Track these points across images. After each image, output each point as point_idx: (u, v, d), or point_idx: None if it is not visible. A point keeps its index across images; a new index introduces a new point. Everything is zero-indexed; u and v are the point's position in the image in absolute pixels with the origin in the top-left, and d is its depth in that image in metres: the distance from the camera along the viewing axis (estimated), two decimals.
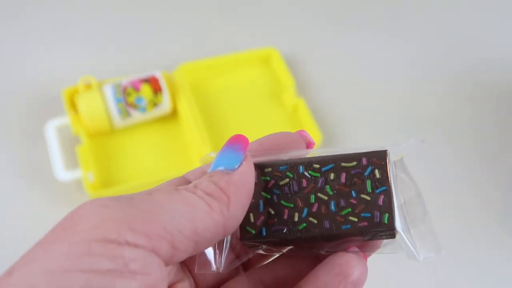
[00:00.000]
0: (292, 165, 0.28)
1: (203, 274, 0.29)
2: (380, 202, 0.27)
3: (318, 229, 0.27)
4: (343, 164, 0.27)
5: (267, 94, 0.73)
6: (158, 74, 0.67)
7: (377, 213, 0.27)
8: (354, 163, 0.27)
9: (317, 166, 0.28)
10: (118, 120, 0.66)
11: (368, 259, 0.28)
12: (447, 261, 0.62)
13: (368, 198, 0.27)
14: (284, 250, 0.29)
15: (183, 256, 0.23)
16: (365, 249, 0.28)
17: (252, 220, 0.28)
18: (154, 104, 0.66)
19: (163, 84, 0.67)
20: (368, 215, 0.27)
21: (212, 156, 0.27)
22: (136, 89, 0.66)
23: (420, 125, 0.72)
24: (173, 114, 0.69)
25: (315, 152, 0.29)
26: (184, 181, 0.28)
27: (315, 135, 0.67)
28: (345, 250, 0.27)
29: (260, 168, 0.28)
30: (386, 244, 0.28)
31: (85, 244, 0.21)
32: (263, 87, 0.73)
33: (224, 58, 0.74)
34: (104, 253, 0.21)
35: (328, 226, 0.27)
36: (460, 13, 0.83)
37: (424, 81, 0.76)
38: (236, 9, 0.82)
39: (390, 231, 0.27)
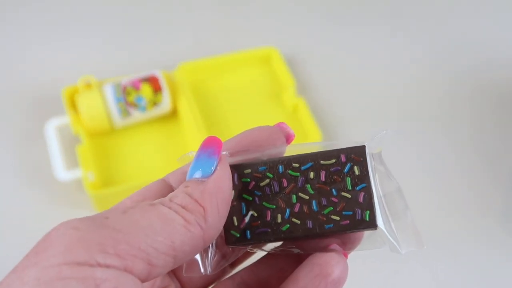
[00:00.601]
0: (272, 165, 0.28)
1: (190, 277, 0.29)
2: (361, 199, 0.27)
3: (301, 230, 0.27)
4: (322, 162, 0.27)
5: (267, 94, 0.73)
6: (158, 74, 0.67)
7: (358, 211, 0.27)
8: (333, 160, 0.27)
9: (297, 165, 0.28)
10: (118, 120, 0.66)
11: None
12: (447, 261, 0.62)
13: (348, 195, 0.27)
14: (270, 249, 0.29)
15: (163, 271, 0.23)
16: (346, 246, 0.28)
17: (236, 223, 0.28)
18: (154, 104, 0.66)
19: (163, 83, 0.67)
20: (350, 213, 0.27)
21: (190, 155, 0.27)
22: (136, 88, 0.66)
23: (420, 125, 0.72)
24: (173, 113, 0.69)
25: (294, 148, 0.29)
26: (164, 183, 0.28)
27: (315, 135, 0.67)
28: (327, 248, 0.28)
29: (239, 169, 0.28)
30: (368, 239, 0.28)
31: (55, 268, 0.21)
32: (263, 87, 0.73)
33: (224, 58, 0.74)
34: (74, 275, 0.21)
35: (311, 226, 0.27)
36: (460, 12, 0.83)
37: (424, 81, 0.76)
38: (236, 9, 0.83)
39: (372, 228, 0.27)
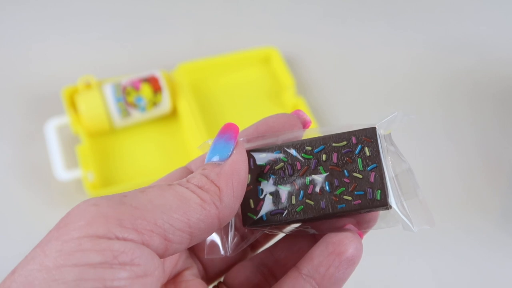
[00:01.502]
0: (286, 149, 0.29)
1: (212, 259, 0.30)
2: (372, 179, 0.27)
3: (315, 210, 0.28)
4: (334, 144, 0.28)
5: (267, 94, 0.73)
6: (158, 74, 0.67)
7: (369, 190, 0.27)
8: (344, 142, 0.28)
9: (309, 148, 0.29)
10: (118, 120, 0.66)
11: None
12: (447, 261, 0.62)
13: (360, 176, 0.28)
14: (287, 230, 0.30)
15: (179, 247, 0.25)
16: (361, 226, 0.29)
17: (252, 206, 0.29)
18: (154, 104, 0.66)
19: (163, 83, 0.67)
20: (361, 193, 0.27)
21: (210, 143, 0.28)
22: (136, 88, 0.66)
23: (420, 124, 0.72)
24: (173, 113, 0.69)
25: (309, 132, 0.29)
26: (187, 171, 0.30)
27: (315, 135, 0.66)
28: (342, 228, 0.28)
29: (255, 154, 0.29)
30: (381, 218, 0.29)
31: (76, 241, 0.22)
32: (263, 87, 0.73)
33: (224, 57, 0.74)
34: (93, 247, 0.22)
35: (324, 207, 0.28)
36: (460, 11, 0.83)
37: (425, 80, 0.76)
38: (236, 8, 0.83)
39: (384, 207, 0.27)
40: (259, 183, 0.29)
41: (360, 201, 0.27)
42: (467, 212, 0.65)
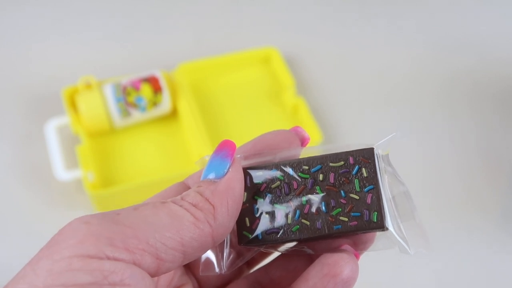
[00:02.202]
0: (282, 168, 0.29)
1: (207, 276, 0.29)
2: (369, 200, 0.27)
3: (311, 231, 0.28)
4: (331, 164, 0.28)
5: (267, 94, 0.73)
6: (158, 74, 0.67)
7: (366, 212, 0.27)
8: (342, 162, 0.28)
9: (306, 167, 0.28)
10: (118, 120, 0.66)
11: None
12: (447, 260, 0.62)
13: (357, 197, 0.27)
14: (283, 249, 0.29)
15: (172, 266, 0.24)
16: (357, 247, 0.29)
17: (248, 224, 0.28)
18: (154, 104, 0.66)
19: (163, 83, 0.67)
20: (358, 214, 0.27)
21: (207, 159, 0.28)
22: (136, 88, 0.66)
23: (420, 124, 0.72)
24: (173, 113, 0.69)
25: (307, 151, 0.29)
26: (184, 186, 0.29)
27: (315, 135, 0.66)
28: (338, 248, 0.28)
29: (252, 172, 0.29)
30: (378, 240, 0.29)
31: (67, 260, 0.22)
32: (263, 87, 0.73)
33: (224, 58, 0.74)
34: (83, 267, 0.22)
35: (320, 227, 0.28)
36: (460, 11, 0.83)
37: (425, 80, 0.76)
38: (236, 9, 0.83)
39: (380, 229, 0.27)
40: (255, 201, 0.29)
41: (356, 222, 0.27)
42: (467, 212, 0.65)
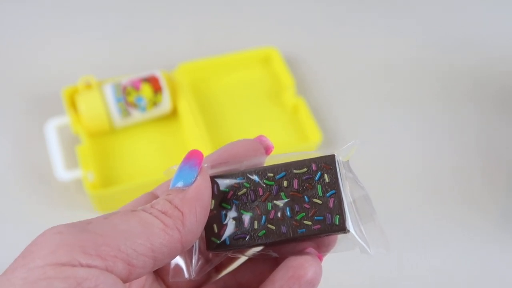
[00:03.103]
0: (248, 176, 0.30)
1: (177, 282, 0.30)
2: (331, 205, 0.29)
3: (276, 235, 0.29)
4: (294, 171, 0.29)
5: (267, 94, 0.73)
6: (158, 74, 0.67)
7: (328, 216, 0.29)
8: (305, 169, 0.29)
9: (271, 174, 0.30)
10: (118, 120, 0.66)
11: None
12: (447, 260, 0.62)
13: (319, 202, 0.29)
14: (250, 254, 0.30)
15: (143, 272, 0.25)
16: (320, 249, 0.30)
17: (216, 230, 0.29)
18: (154, 104, 0.66)
19: (163, 83, 0.67)
20: (321, 218, 0.29)
21: (175, 169, 0.29)
22: (136, 88, 0.66)
23: (421, 123, 0.72)
24: (173, 113, 0.69)
25: (271, 159, 0.30)
26: (153, 196, 0.30)
27: (315, 135, 0.67)
28: (302, 251, 0.29)
29: (219, 180, 0.30)
30: (340, 242, 0.30)
31: (41, 269, 0.23)
32: (263, 87, 0.73)
33: (224, 58, 0.74)
34: (57, 275, 0.23)
35: (285, 231, 0.29)
36: (461, 10, 0.83)
37: (425, 80, 0.76)
38: (236, 9, 0.83)
39: (342, 231, 0.29)
40: (222, 208, 0.30)
41: (319, 226, 0.28)
42: (467, 212, 0.65)
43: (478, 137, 0.70)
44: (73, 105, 0.66)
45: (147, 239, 0.25)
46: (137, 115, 0.66)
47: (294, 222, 0.29)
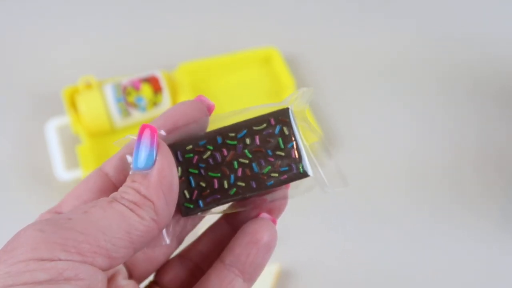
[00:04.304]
0: (210, 138, 0.31)
1: (137, 263, 0.32)
2: (293, 155, 0.30)
3: (247, 190, 0.30)
4: (255, 128, 0.31)
5: (267, 94, 0.73)
6: (158, 74, 0.67)
7: (293, 165, 0.30)
8: (264, 125, 0.31)
9: (233, 134, 0.31)
10: (118, 120, 0.66)
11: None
12: (447, 259, 0.62)
13: (282, 153, 0.30)
14: (220, 211, 0.32)
15: (123, 260, 0.26)
16: (273, 213, 0.32)
17: (187, 196, 0.30)
18: (154, 104, 0.66)
19: (163, 83, 0.67)
20: (286, 168, 0.30)
21: (126, 139, 0.30)
22: (136, 88, 0.66)
23: (421, 123, 0.72)
24: None
25: (224, 116, 0.32)
26: (102, 174, 0.31)
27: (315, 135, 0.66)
28: (257, 217, 0.31)
29: (181, 147, 0.31)
30: (299, 186, 0.32)
31: (23, 263, 0.24)
32: (263, 87, 0.73)
33: (224, 58, 0.74)
34: (39, 267, 0.24)
35: (255, 186, 0.30)
36: (462, 10, 0.83)
37: (426, 80, 0.76)
38: (236, 9, 0.82)
39: (306, 177, 0.31)
40: (190, 173, 0.30)
41: (286, 176, 0.30)
42: (467, 211, 0.65)
43: (478, 137, 0.70)
44: (73, 105, 0.66)
45: (126, 233, 0.26)
46: (137, 115, 0.66)
47: (262, 176, 0.30)
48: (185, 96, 0.67)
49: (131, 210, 0.27)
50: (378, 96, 0.74)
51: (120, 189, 0.28)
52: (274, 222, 0.31)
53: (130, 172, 0.28)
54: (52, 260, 0.24)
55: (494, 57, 0.78)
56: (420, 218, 0.64)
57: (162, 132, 0.30)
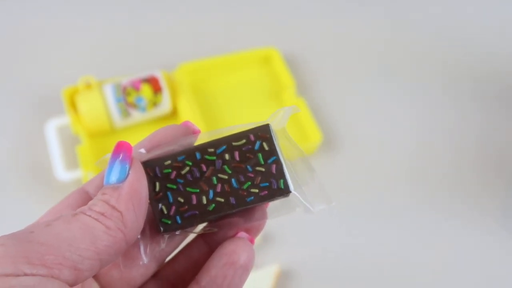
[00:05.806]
0: (189, 154, 0.30)
1: (110, 283, 0.31)
2: (274, 170, 0.30)
3: (226, 207, 0.30)
4: (234, 143, 0.30)
5: (267, 94, 0.73)
6: (158, 74, 0.67)
7: (273, 181, 0.30)
8: (244, 140, 0.30)
9: (212, 150, 0.30)
10: (118, 120, 0.66)
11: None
12: (447, 259, 0.62)
13: (262, 169, 0.30)
14: (197, 230, 0.31)
15: (90, 274, 0.25)
16: (251, 233, 0.31)
17: (165, 212, 0.30)
18: (154, 104, 0.66)
19: (163, 84, 0.67)
20: (266, 184, 0.30)
21: (107, 158, 0.29)
22: (136, 88, 0.66)
23: (421, 123, 0.72)
24: (173, 114, 0.69)
25: (203, 136, 0.31)
26: (83, 192, 0.30)
27: (315, 135, 0.67)
28: (234, 236, 0.31)
29: (159, 162, 0.30)
30: (282, 206, 0.31)
31: None
32: (263, 87, 0.73)
33: (224, 58, 0.74)
34: (4, 285, 0.22)
35: (234, 202, 0.30)
36: (462, 8, 0.83)
37: (426, 80, 0.76)
38: (236, 9, 0.82)
39: (287, 194, 0.30)
40: (168, 189, 0.30)
41: (266, 192, 0.30)
42: (468, 211, 0.65)
43: (478, 137, 0.70)
44: (73, 105, 0.67)
45: (91, 243, 0.25)
46: (137, 116, 0.66)
47: (241, 192, 0.30)
48: (185, 96, 0.67)
49: (97, 220, 0.26)
50: (378, 96, 0.74)
51: (90, 202, 0.27)
52: (251, 241, 0.30)
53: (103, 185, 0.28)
54: (17, 275, 0.23)
55: (495, 57, 0.78)
56: (420, 218, 0.65)
57: (143, 150, 0.30)
